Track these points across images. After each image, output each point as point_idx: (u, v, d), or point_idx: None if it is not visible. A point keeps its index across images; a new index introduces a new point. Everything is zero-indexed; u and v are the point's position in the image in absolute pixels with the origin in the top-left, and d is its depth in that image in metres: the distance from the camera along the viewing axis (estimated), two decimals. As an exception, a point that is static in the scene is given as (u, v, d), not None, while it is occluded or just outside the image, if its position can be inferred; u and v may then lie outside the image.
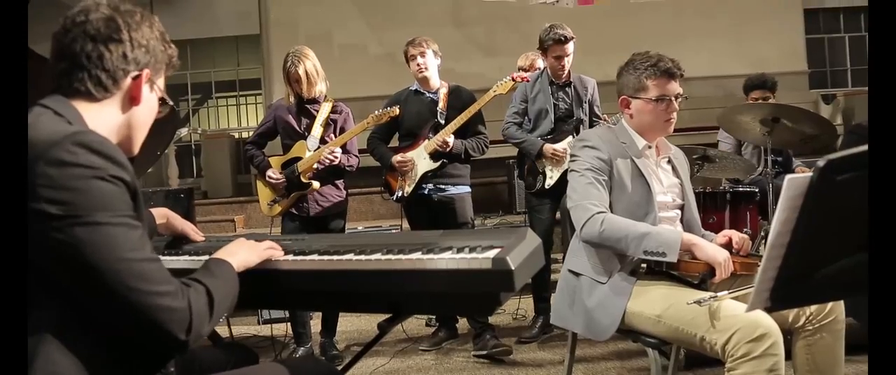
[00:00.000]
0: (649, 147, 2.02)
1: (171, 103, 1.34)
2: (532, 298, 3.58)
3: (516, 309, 3.88)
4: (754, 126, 3.27)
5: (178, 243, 1.75)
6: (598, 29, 6.12)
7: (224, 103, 9.12)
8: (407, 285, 1.31)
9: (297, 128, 3.29)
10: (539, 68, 3.65)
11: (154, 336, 1.05)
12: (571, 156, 2.03)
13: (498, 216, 5.26)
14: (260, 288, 1.45)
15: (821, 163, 1.10)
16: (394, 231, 4.60)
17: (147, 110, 1.25)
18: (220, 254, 1.32)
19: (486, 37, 7.70)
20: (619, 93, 2.05)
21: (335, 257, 1.41)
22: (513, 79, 3.34)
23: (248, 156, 3.48)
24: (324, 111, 3.29)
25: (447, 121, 3.32)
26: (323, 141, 3.26)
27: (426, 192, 3.34)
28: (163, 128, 2.71)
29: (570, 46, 3.43)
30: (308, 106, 3.29)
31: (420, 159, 3.30)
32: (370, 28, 7.84)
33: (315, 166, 3.22)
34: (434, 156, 3.29)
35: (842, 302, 1.82)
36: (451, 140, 3.25)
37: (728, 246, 1.87)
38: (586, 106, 3.57)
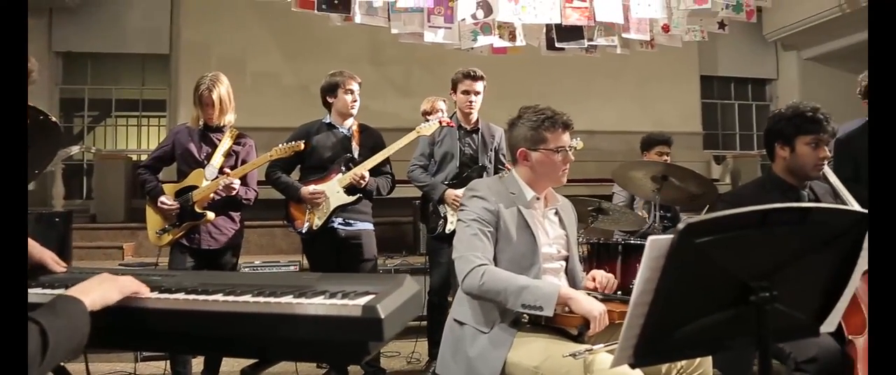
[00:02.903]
0: (537, 198, 2.07)
1: None
2: (427, 342, 3.55)
3: (411, 352, 3.82)
4: (646, 182, 3.44)
5: (33, 274, 1.62)
6: (510, 78, 6.31)
7: (124, 123, 8.65)
8: (274, 329, 1.26)
9: (197, 156, 3.17)
10: (441, 111, 3.71)
11: None
12: (460, 205, 2.05)
13: (401, 256, 5.22)
14: (118, 326, 1.36)
15: (680, 226, 1.16)
16: (292, 266, 4.47)
17: None
18: (73, 291, 1.23)
19: (402, 77, 7.78)
20: (515, 146, 2.08)
21: (201, 297, 1.35)
22: (440, 123, 3.39)
23: (139, 180, 3.32)
24: (227, 141, 3.19)
25: (360, 158, 3.31)
26: (222, 171, 3.14)
27: (335, 226, 3.27)
28: (39, 143, 2.49)
29: (479, 84, 3.51)
30: (211, 134, 3.19)
31: (333, 193, 3.25)
32: (285, 58, 7.73)
33: (211, 196, 3.10)
34: (349, 190, 3.24)
35: (710, 357, 1.90)
36: (367, 175, 3.24)
37: (595, 288, 1.94)
38: (492, 153, 3.64)
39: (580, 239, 3.28)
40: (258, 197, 3.29)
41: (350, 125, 3.41)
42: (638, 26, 4.64)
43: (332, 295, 1.26)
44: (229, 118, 3.19)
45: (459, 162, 3.55)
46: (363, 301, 1.20)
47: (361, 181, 3.22)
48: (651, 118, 8.13)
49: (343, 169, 3.28)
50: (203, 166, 3.15)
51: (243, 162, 3.21)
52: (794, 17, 8.38)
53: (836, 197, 2.43)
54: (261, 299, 1.29)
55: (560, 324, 1.82)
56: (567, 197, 2.24)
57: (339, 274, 1.44)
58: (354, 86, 3.35)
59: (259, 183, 3.34)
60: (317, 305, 1.23)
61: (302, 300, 1.26)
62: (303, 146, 3.21)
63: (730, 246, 1.21)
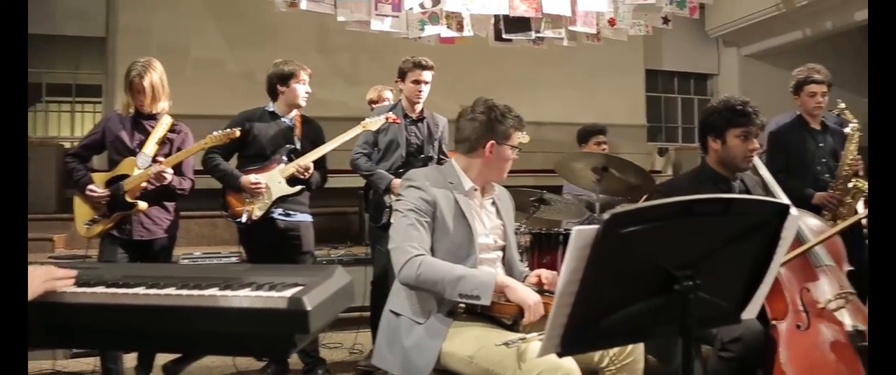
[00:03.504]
0: (475, 189, 2.07)
1: None
2: (370, 332, 3.53)
3: (353, 343, 3.80)
4: (587, 173, 3.50)
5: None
6: (458, 68, 6.30)
7: (56, 108, 8.25)
8: (198, 323, 1.23)
9: (129, 144, 3.05)
10: (387, 101, 3.67)
11: None
12: (397, 195, 2.03)
13: (345, 246, 5.17)
14: (32, 322, 1.29)
15: (606, 216, 1.18)
16: (234, 258, 4.37)
17: None
18: None
19: (350, 66, 7.65)
20: (481, 137, 2.03)
21: (122, 290, 1.30)
22: (386, 119, 3.36)
23: (67, 169, 3.18)
24: (161, 128, 3.08)
25: (301, 149, 3.26)
26: (155, 160, 3.03)
27: (274, 216, 3.21)
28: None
29: (428, 74, 3.49)
30: (144, 121, 3.07)
31: (274, 183, 3.18)
32: (229, 45, 7.49)
33: (143, 185, 2.99)
34: (291, 181, 3.18)
35: (641, 343, 1.95)
36: (312, 166, 3.20)
37: (540, 284, 1.96)
38: (437, 143, 3.63)
39: (522, 229, 3.31)
40: (196, 186, 3.20)
41: (293, 115, 3.35)
42: (584, 19, 4.70)
43: (259, 287, 1.24)
44: (163, 105, 3.08)
45: (406, 151, 3.52)
46: (289, 293, 1.18)
47: (306, 173, 3.17)
48: (597, 110, 8.24)
49: (285, 159, 3.22)
50: (135, 154, 3.04)
51: (178, 150, 3.11)
52: (734, 14, 8.68)
53: (766, 188, 2.53)
54: (184, 292, 1.25)
55: (496, 313, 1.83)
56: (512, 187, 2.25)
57: (270, 266, 1.41)
58: (307, 78, 3.31)
59: (198, 172, 3.24)
60: (241, 297, 1.20)
61: (227, 292, 1.23)
62: (238, 133, 3.13)
63: (654, 235, 1.24)
